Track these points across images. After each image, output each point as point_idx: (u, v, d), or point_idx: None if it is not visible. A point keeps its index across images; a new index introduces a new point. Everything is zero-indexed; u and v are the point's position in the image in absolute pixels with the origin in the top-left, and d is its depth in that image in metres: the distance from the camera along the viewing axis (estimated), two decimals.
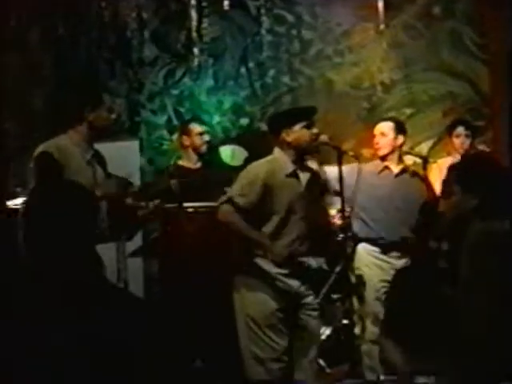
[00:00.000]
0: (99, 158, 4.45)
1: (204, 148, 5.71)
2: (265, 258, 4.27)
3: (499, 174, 3.45)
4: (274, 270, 4.28)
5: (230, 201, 4.24)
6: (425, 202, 5.28)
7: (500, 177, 3.42)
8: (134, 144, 7.03)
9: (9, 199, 5.01)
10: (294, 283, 4.32)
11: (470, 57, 6.80)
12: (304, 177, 4.36)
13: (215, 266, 4.95)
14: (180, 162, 5.80)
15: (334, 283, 5.51)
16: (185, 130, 5.80)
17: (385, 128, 5.38)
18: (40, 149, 4.27)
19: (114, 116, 4.53)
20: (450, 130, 5.97)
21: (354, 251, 5.20)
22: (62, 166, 4.15)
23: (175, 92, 7.31)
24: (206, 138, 5.74)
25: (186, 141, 5.72)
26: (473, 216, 3.32)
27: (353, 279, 5.16)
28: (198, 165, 5.71)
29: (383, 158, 5.35)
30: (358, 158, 4.86)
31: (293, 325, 4.33)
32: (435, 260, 4.53)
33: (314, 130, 4.35)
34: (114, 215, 4.15)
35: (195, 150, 5.69)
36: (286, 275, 4.30)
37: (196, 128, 5.75)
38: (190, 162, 5.72)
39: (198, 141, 5.69)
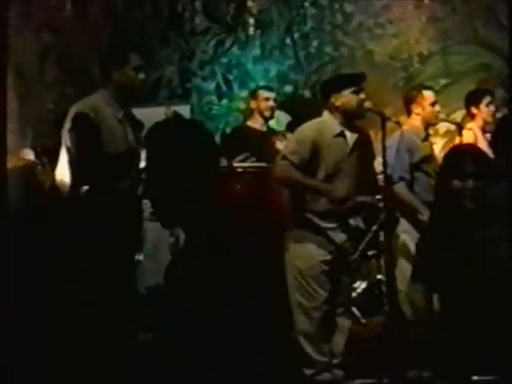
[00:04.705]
0: (131, 120, 4.37)
1: (268, 112, 6.04)
2: (314, 213, 4.39)
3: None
4: (322, 224, 4.40)
5: (284, 158, 4.36)
6: None
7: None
8: (186, 108, 7.06)
9: None
10: (340, 237, 4.44)
11: (502, 31, 6.82)
12: (351, 138, 4.46)
13: (265, 224, 4.96)
14: (248, 123, 6.17)
15: (369, 241, 5.52)
16: (254, 95, 6.17)
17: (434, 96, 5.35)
18: (75, 109, 4.20)
19: (142, 76, 4.30)
20: (478, 99, 5.81)
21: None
22: (97, 125, 4.14)
23: (224, 60, 7.55)
24: (271, 103, 6.04)
25: (253, 104, 6.10)
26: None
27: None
28: (265, 128, 6.05)
29: (427, 126, 5.27)
30: (400, 124, 4.78)
31: (334, 278, 4.44)
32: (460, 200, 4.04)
33: (362, 96, 4.43)
34: None
35: (260, 113, 6.05)
36: (332, 229, 4.42)
37: (263, 93, 6.09)
38: (256, 123, 6.08)
39: (263, 104, 6.04)
